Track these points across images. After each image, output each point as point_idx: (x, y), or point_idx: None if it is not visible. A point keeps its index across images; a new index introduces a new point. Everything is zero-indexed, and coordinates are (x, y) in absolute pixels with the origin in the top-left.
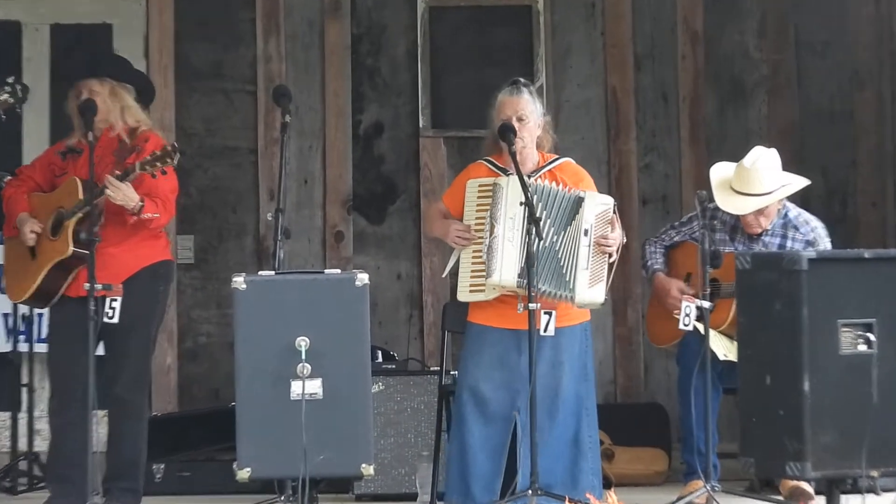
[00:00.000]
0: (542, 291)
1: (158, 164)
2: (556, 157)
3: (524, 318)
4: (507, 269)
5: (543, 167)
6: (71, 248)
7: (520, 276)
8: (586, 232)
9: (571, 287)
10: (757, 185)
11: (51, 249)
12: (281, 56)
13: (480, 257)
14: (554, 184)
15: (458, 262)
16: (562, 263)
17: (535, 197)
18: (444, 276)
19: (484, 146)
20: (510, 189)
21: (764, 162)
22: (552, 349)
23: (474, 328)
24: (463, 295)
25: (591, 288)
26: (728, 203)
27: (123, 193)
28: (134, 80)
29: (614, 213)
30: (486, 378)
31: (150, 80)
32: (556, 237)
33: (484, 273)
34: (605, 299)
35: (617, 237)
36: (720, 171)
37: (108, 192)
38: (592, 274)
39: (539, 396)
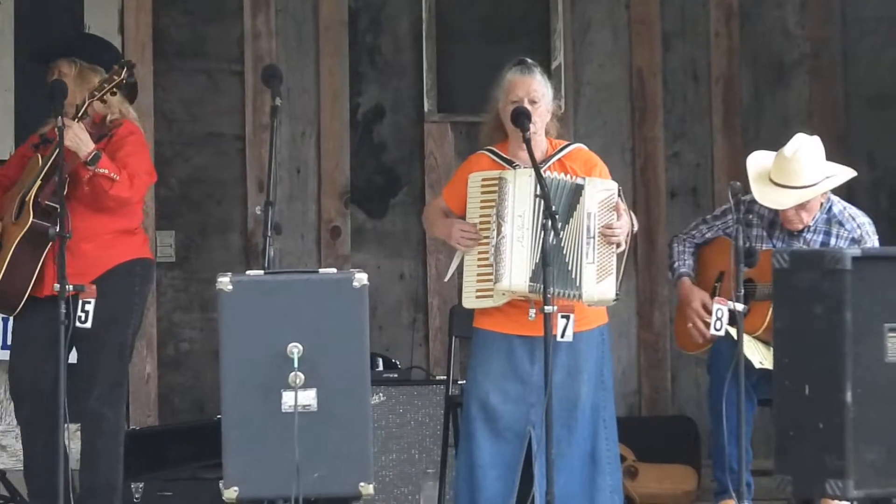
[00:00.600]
0: (549, 293)
1: (106, 85)
2: (567, 143)
3: (536, 323)
4: (517, 273)
5: (553, 156)
6: (31, 220)
7: (532, 280)
8: (590, 222)
9: (578, 284)
10: (798, 176)
11: (13, 232)
12: (271, 32)
13: (487, 259)
14: (555, 173)
15: (461, 264)
16: (567, 260)
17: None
18: (446, 279)
19: (483, 133)
20: (518, 183)
21: (806, 151)
22: (569, 356)
23: (481, 335)
24: (469, 301)
25: (599, 283)
26: (766, 196)
27: (75, 133)
28: (108, 61)
29: (620, 197)
30: (497, 390)
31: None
32: (561, 233)
33: (491, 277)
34: (618, 295)
35: (624, 225)
36: (758, 161)
37: (66, 135)
38: (600, 268)
39: (556, 409)
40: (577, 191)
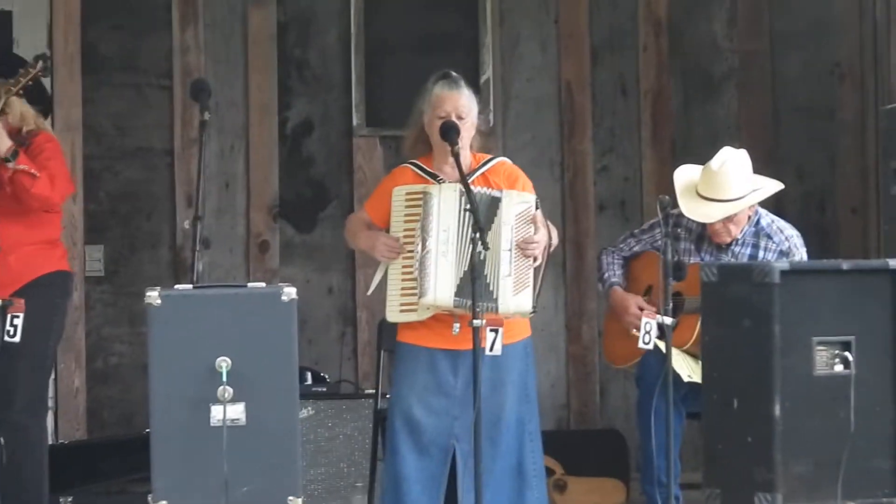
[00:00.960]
0: (467, 305)
1: (22, 79)
2: (490, 157)
3: (460, 337)
4: (441, 288)
5: (476, 170)
6: None
7: (456, 294)
8: (507, 233)
9: (495, 297)
10: (725, 190)
11: None
12: (199, 46)
13: (411, 273)
14: (476, 187)
15: (385, 277)
16: (485, 272)
17: (468, 205)
18: (368, 293)
19: (406, 145)
20: (443, 198)
21: (733, 164)
22: (493, 369)
23: (405, 348)
24: (393, 315)
25: (515, 296)
26: (693, 210)
27: None
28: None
29: (537, 210)
30: (421, 404)
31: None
32: (460, 242)
33: (415, 291)
34: (535, 308)
35: (541, 238)
36: (685, 175)
37: None
38: (517, 280)
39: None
40: (495, 203)
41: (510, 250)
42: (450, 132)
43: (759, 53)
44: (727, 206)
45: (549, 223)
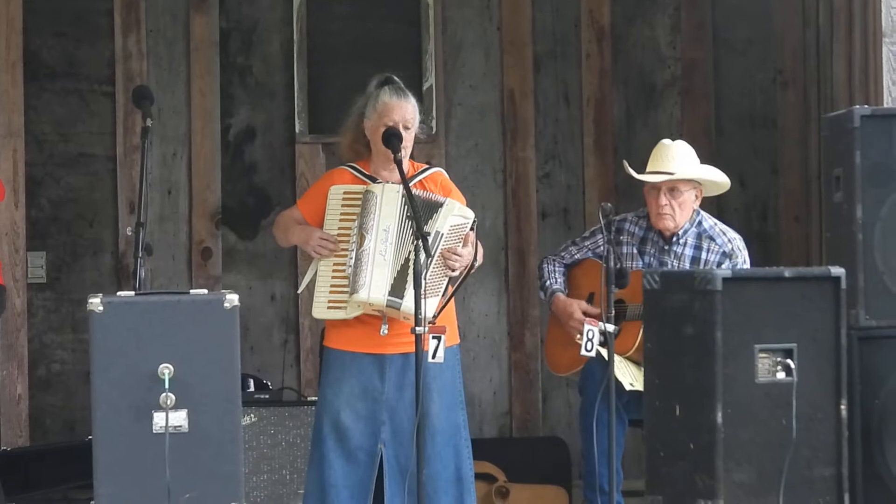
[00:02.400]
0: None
1: None
2: (427, 166)
3: (388, 341)
4: (376, 287)
5: (415, 177)
6: None
7: (390, 294)
8: (434, 239)
9: (402, 294)
10: (676, 161)
11: None
12: (142, 53)
13: (343, 272)
14: (416, 190)
15: (315, 275)
16: (406, 269)
17: (406, 207)
18: (299, 291)
19: (342, 148)
20: (384, 198)
21: (685, 145)
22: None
23: (332, 354)
24: (319, 311)
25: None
26: (642, 175)
27: None
28: None
29: (472, 230)
30: (348, 408)
31: None
32: (399, 243)
33: (345, 288)
34: (434, 317)
35: (466, 255)
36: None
37: None
38: (429, 286)
39: (406, 428)
40: (434, 207)
41: (432, 256)
42: (392, 139)
43: (702, 61)
44: (677, 173)
45: (478, 245)
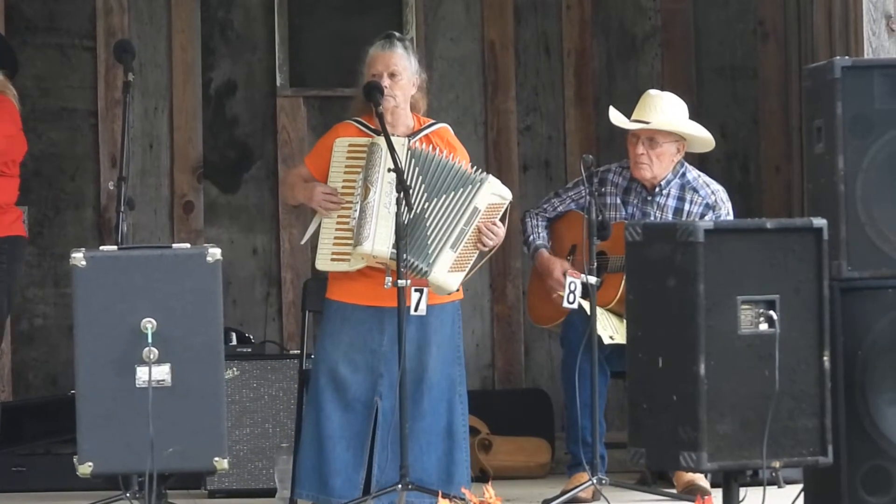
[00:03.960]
0: (404, 260)
1: None
2: (433, 122)
3: (388, 294)
4: (380, 239)
5: (420, 131)
6: None
7: (395, 247)
8: (472, 215)
9: (431, 262)
10: (659, 112)
11: None
12: (123, 7)
13: (347, 224)
14: (438, 151)
15: (318, 228)
16: (429, 234)
17: (413, 161)
18: (302, 242)
19: (352, 106)
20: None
21: (671, 96)
22: (419, 329)
23: (333, 306)
24: (323, 263)
25: (450, 272)
26: (624, 122)
27: None
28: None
29: (506, 212)
30: (346, 360)
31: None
32: (427, 205)
33: (349, 241)
34: (458, 290)
35: (501, 234)
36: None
37: None
38: (459, 258)
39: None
40: (475, 182)
41: (467, 231)
42: (372, 92)
43: (682, 12)
44: (652, 123)
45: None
